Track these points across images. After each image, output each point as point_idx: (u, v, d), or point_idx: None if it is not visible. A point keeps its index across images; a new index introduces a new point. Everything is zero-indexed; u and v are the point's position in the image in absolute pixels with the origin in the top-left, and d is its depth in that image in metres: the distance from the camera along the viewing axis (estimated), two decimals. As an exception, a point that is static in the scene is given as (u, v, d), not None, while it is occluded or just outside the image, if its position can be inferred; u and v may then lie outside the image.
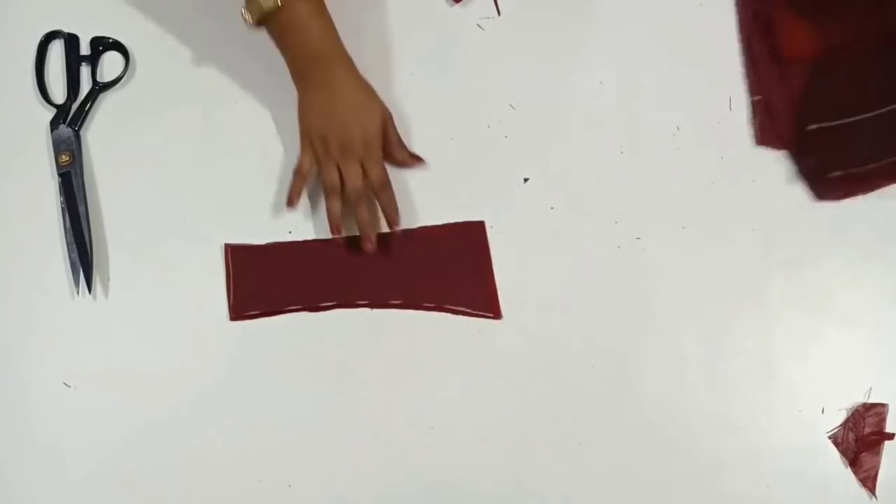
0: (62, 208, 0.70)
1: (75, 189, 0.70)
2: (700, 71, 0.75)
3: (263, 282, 0.68)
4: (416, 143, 0.72)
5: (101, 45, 0.74)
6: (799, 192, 0.71)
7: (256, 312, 0.68)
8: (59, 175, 0.70)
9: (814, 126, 0.70)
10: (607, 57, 0.75)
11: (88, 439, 0.66)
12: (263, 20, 0.65)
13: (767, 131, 0.71)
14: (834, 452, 0.66)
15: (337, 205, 0.67)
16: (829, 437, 0.66)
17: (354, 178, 0.66)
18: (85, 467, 0.65)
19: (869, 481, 0.65)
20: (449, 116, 0.73)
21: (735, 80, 0.74)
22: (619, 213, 0.71)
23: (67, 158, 0.71)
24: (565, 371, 0.67)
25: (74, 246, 0.69)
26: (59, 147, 0.71)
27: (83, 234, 0.69)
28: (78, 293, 0.68)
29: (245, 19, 0.65)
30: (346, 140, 0.65)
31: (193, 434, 0.66)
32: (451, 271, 0.69)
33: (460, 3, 0.75)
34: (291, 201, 0.68)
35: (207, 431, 0.66)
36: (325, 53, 0.66)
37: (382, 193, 0.67)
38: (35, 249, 0.70)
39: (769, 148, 0.71)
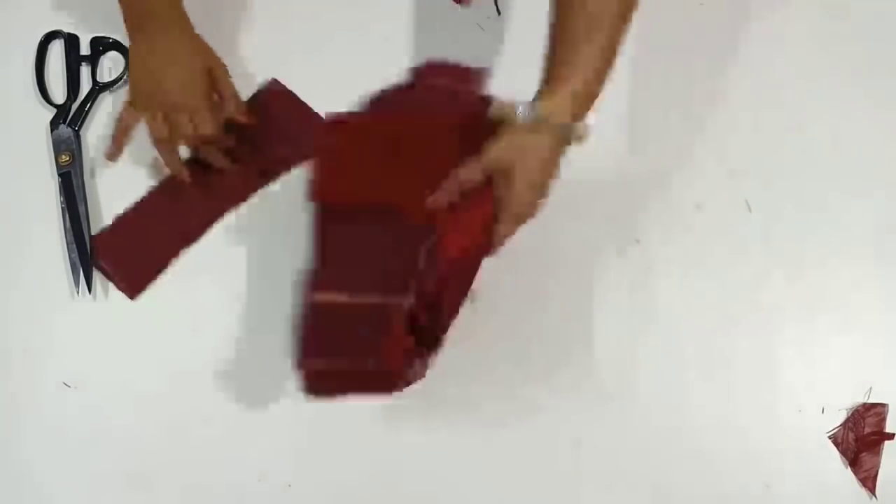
0: (62, 208, 0.69)
1: (75, 189, 0.70)
2: (699, 71, 0.75)
3: (136, 253, 0.69)
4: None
5: (101, 45, 0.74)
6: (798, 191, 0.72)
7: (147, 278, 0.68)
8: (59, 175, 0.70)
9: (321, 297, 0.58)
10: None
11: (88, 439, 0.66)
12: None
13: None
14: (834, 452, 0.66)
15: (171, 154, 0.68)
16: (829, 437, 0.66)
17: (183, 128, 0.67)
18: (85, 467, 0.65)
19: (869, 481, 0.65)
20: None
21: (733, 80, 0.74)
22: (619, 214, 0.71)
23: (67, 158, 0.71)
24: (565, 371, 0.67)
25: (74, 246, 0.68)
26: (59, 147, 0.71)
27: (83, 234, 0.69)
28: (78, 293, 0.68)
29: None
30: (167, 94, 0.66)
31: (193, 433, 0.66)
32: (281, 132, 0.71)
33: (463, 4, 0.75)
34: (111, 154, 0.69)
35: (207, 431, 0.66)
36: (153, 6, 0.66)
37: (218, 140, 0.68)
38: (35, 249, 0.70)
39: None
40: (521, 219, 0.60)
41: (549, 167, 0.59)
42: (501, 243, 0.61)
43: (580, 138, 0.59)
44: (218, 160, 0.70)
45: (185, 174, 0.69)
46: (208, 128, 0.67)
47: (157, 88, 0.67)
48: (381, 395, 0.59)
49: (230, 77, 0.70)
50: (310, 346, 0.57)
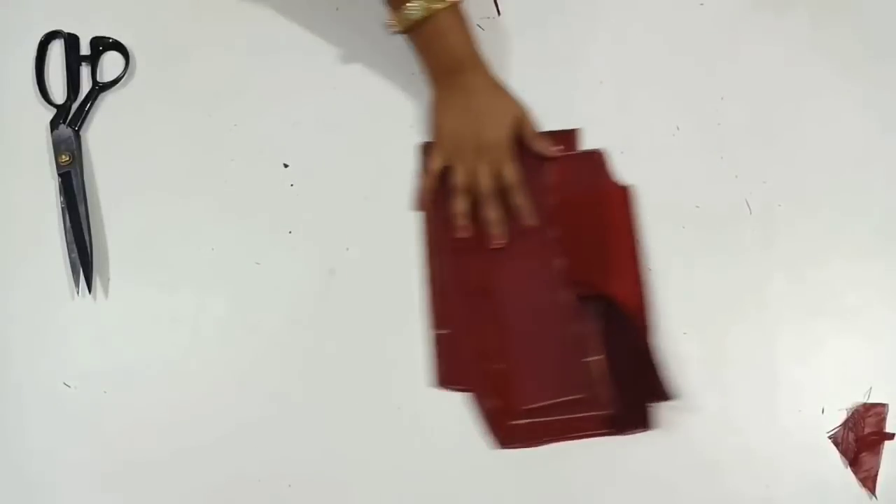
0: (62, 208, 0.70)
1: (75, 189, 0.70)
2: (700, 71, 0.75)
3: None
4: (417, 143, 0.72)
5: (101, 45, 0.74)
6: (798, 191, 0.72)
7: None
8: (59, 175, 0.70)
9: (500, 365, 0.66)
10: (607, 57, 0.75)
11: (88, 439, 0.66)
12: (409, 30, 0.67)
13: (452, 370, 0.66)
14: (834, 452, 0.66)
15: (464, 204, 0.68)
16: (829, 437, 0.66)
17: (486, 178, 0.67)
18: (84, 467, 0.65)
19: (869, 481, 0.65)
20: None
21: (733, 81, 0.74)
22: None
23: (67, 158, 0.71)
24: (565, 371, 0.67)
25: (74, 246, 0.68)
26: (59, 147, 0.71)
27: (83, 234, 0.69)
28: (78, 293, 0.68)
29: (390, 27, 0.67)
30: (479, 141, 0.67)
31: (193, 434, 0.66)
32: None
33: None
34: (423, 203, 0.69)
35: (207, 431, 0.66)
36: (463, 58, 0.68)
37: (516, 193, 0.68)
38: (35, 249, 0.70)
39: (451, 388, 0.66)
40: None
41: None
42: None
43: None
44: (498, 216, 0.68)
45: (469, 227, 0.68)
46: (514, 175, 0.68)
47: (471, 137, 0.67)
48: (590, 434, 0.65)
49: (532, 121, 0.70)
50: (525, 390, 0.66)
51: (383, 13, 0.68)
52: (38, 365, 0.67)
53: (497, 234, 0.68)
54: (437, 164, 0.69)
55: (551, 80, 0.74)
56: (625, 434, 0.65)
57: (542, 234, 0.69)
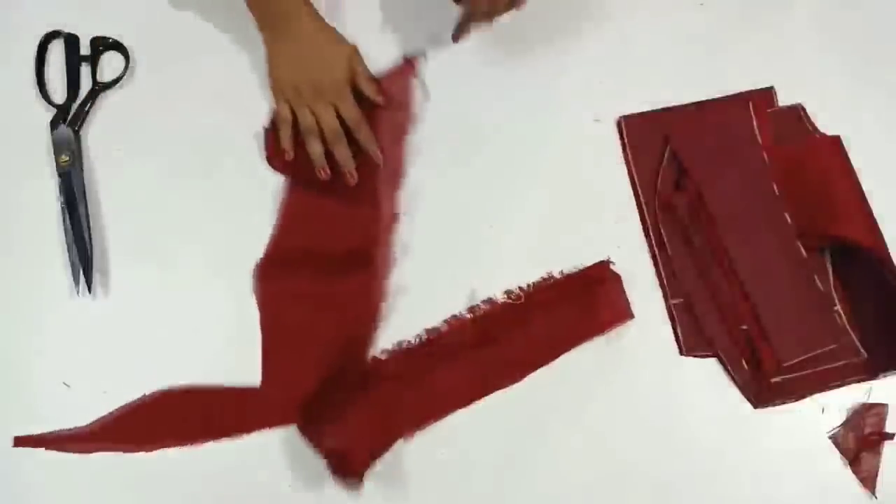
0: (62, 208, 0.70)
1: (75, 189, 0.70)
2: (699, 72, 0.75)
3: None
4: (416, 142, 0.72)
5: (101, 45, 0.74)
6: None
7: None
8: (59, 175, 0.70)
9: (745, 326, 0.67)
10: (607, 58, 0.75)
11: (88, 439, 0.66)
12: None
13: (694, 337, 0.67)
14: (834, 452, 0.66)
15: (318, 146, 0.69)
16: (829, 437, 0.66)
17: (329, 119, 0.69)
18: (84, 468, 0.65)
19: (869, 481, 0.65)
20: (448, 117, 0.73)
21: (733, 80, 0.74)
22: (619, 215, 0.71)
23: (67, 158, 0.71)
24: (565, 370, 0.67)
25: (74, 246, 0.68)
26: (59, 147, 0.71)
27: (83, 234, 0.69)
28: (78, 293, 0.68)
29: None
30: (316, 84, 0.68)
31: (193, 434, 0.66)
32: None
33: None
34: (287, 152, 0.70)
35: (207, 431, 0.66)
36: (288, 7, 0.69)
37: (360, 131, 0.70)
38: (35, 249, 0.70)
39: (696, 355, 0.67)
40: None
41: None
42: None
43: None
44: (346, 155, 0.69)
45: (327, 169, 0.69)
46: (354, 112, 0.69)
47: (307, 82, 0.68)
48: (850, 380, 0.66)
49: (363, 61, 0.72)
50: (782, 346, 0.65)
51: (382, 12, 0.68)
52: (39, 365, 0.67)
53: (348, 170, 0.69)
54: (283, 112, 0.69)
55: (551, 79, 0.74)
56: (877, 378, 0.66)
57: (767, 192, 0.69)
